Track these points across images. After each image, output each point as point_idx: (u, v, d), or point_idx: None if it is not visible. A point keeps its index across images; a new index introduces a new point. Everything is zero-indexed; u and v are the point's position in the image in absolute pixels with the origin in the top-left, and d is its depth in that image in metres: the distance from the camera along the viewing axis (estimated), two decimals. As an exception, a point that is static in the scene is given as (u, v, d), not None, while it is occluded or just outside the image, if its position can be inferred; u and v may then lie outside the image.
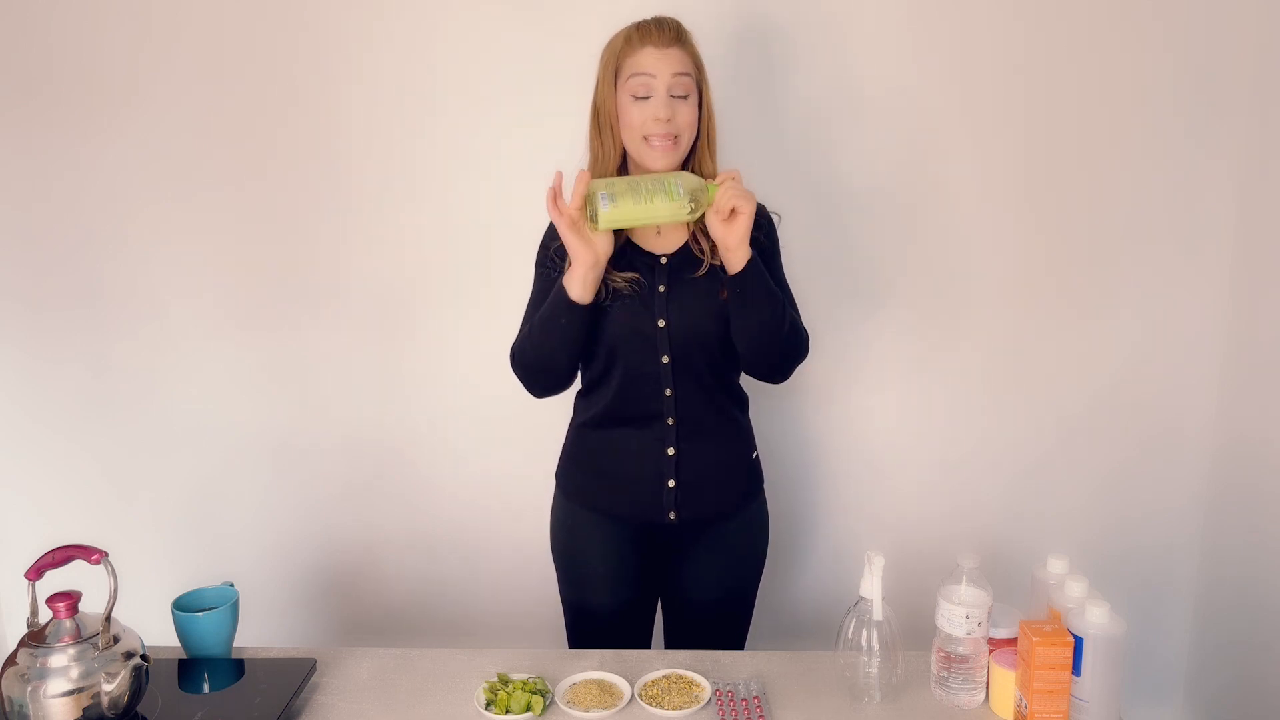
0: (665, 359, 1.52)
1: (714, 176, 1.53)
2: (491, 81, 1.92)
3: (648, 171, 1.49)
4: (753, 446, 1.67)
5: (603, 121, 1.53)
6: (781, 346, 1.53)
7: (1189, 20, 1.88)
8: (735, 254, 1.44)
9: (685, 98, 1.48)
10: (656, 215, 1.40)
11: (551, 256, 1.56)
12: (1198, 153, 1.93)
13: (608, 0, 1.60)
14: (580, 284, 1.43)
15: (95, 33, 1.92)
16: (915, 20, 1.89)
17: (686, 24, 1.52)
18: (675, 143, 1.48)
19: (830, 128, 1.93)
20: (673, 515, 1.57)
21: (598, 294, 1.48)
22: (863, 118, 1.93)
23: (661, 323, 1.51)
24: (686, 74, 1.48)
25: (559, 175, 1.43)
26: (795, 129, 1.93)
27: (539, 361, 1.53)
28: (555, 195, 1.41)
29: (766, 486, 1.71)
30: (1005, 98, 1.92)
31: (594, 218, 1.40)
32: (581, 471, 1.64)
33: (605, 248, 1.44)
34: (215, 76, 1.93)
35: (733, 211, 1.41)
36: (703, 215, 1.43)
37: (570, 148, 1.61)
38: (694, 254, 1.53)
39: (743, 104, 1.89)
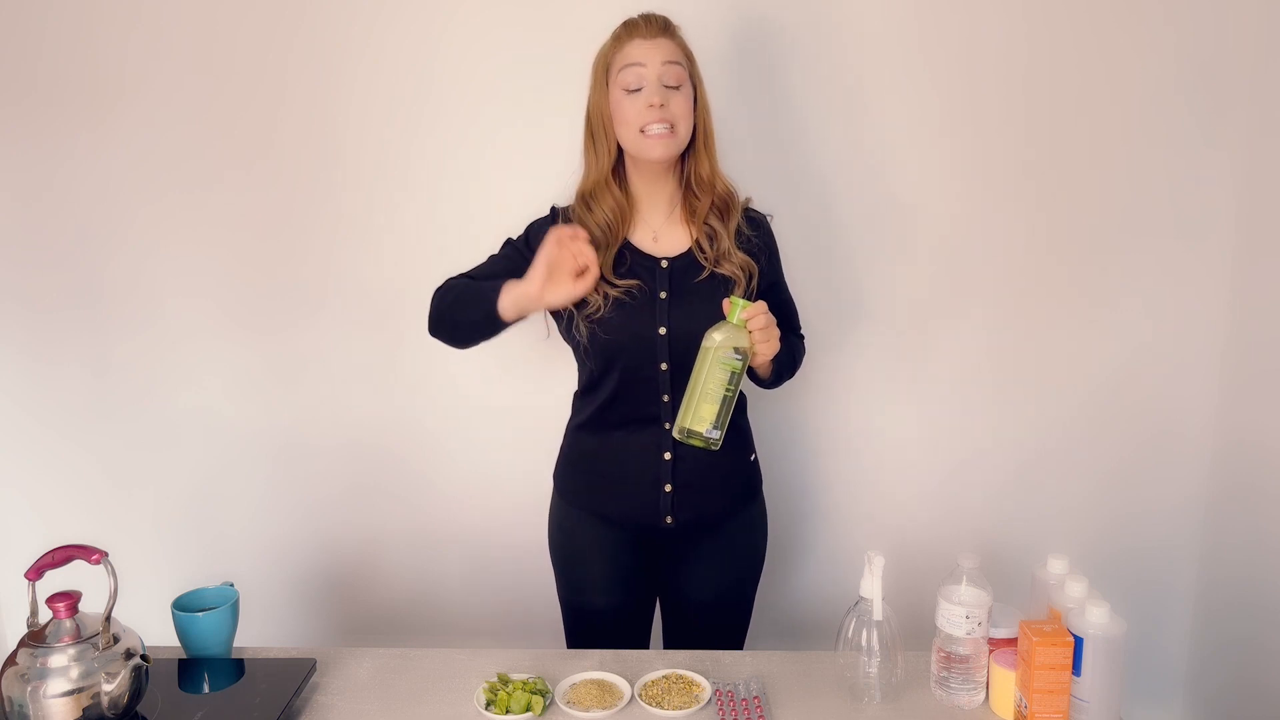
0: (664, 365, 1.50)
1: (711, 174, 1.52)
2: (489, 81, 1.92)
3: (648, 166, 1.50)
4: (751, 449, 1.67)
5: (596, 127, 1.50)
6: (785, 379, 1.63)
7: (1191, 13, 1.87)
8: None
9: (678, 88, 1.46)
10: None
11: (527, 241, 1.57)
12: (1199, 149, 1.93)
13: (606, 1, 1.60)
14: (516, 308, 1.43)
15: (93, 31, 1.92)
16: (914, 15, 1.88)
17: (684, 23, 1.51)
18: (673, 131, 1.45)
19: (828, 127, 1.93)
20: (669, 519, 1.57)
21: (592, 304, 1.47)
22: (860, 114, 1.93)
23: (662, 330, 1.49)
24: (677, 63, 1.45)
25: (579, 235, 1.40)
26: (793, 129, 1.93)
27: (446, 322, 1.55)
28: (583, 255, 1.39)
29: (766, 487, 1.71)
30: (1004, 93, 1.91)
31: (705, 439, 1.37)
32: (578, 474, 1.64)
33: (561, 301, 1.42)
34: (214, 76, 1.93)
35: None
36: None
37: (567, 147, 1.61)
38: (697, 259, 1.52)
39: (739, 104, 1.88)
